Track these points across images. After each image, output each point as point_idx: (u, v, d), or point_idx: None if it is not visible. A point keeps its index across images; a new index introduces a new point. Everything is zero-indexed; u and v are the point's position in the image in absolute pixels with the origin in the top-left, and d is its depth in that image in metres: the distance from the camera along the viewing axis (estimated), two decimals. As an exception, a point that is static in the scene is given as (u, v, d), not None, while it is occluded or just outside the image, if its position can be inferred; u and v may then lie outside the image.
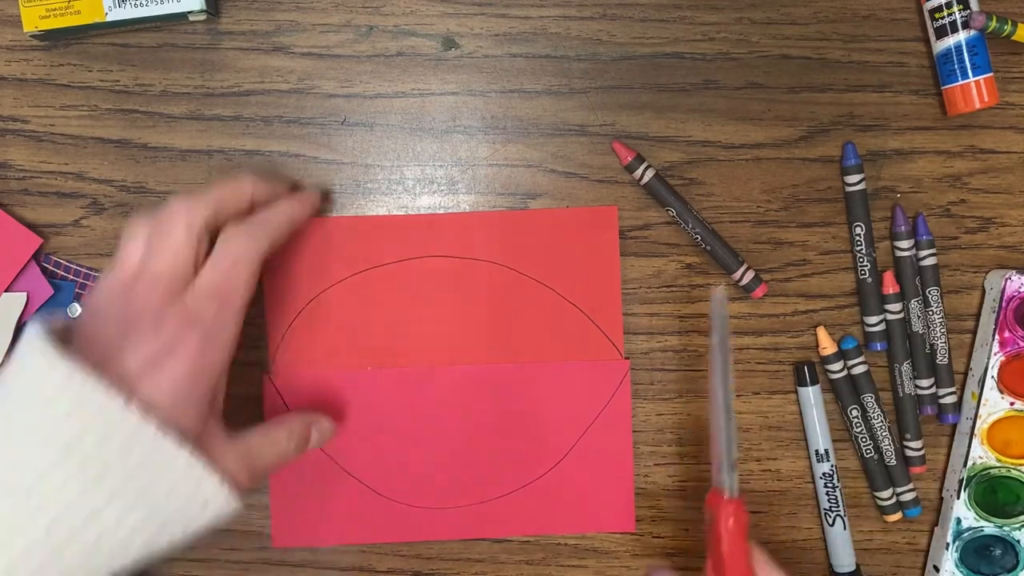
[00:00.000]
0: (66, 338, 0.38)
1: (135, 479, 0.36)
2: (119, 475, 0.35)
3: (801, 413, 0.51)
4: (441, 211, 0.50)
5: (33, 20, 0.47)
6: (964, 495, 0.50)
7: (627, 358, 0.50)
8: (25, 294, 0.49)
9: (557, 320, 0.50)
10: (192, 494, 0.37)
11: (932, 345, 0.50)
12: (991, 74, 0.48)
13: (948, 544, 0.51)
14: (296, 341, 0.49)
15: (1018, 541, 0.50)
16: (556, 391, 0.50)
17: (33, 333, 0.37)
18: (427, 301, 0.49)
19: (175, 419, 0.37)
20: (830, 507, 0.51)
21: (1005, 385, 0.49)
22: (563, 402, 0.50)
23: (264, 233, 0.42)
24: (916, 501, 0.51)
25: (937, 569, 0.51)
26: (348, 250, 0.49)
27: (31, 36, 0.48)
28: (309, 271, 0.49)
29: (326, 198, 0.49)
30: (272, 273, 0.49)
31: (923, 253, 0.50)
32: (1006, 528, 0.50)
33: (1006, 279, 0.49)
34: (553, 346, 0.50)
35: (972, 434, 0.50)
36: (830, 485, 0.51)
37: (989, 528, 0.50)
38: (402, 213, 0.50)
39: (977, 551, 0.51)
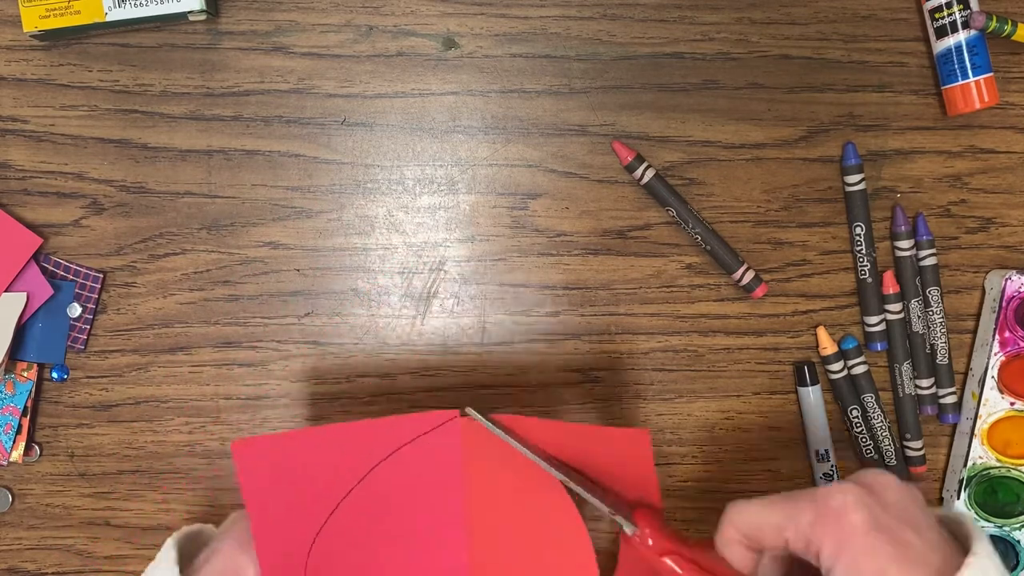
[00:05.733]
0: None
1: None
2: None
3: (801, 413, 0.51)
4: (441, 211, 0.50)
5: (33, 20, 0.47)
6: (964, 495, 0.50)
7: None
8: (25, 294, 0.49)
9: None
10: None
11: (932, 345, 0.50)
12: (991, 74, 0.48)
13: (948, 544, 0.51)
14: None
15: (1018, 541, 0.50)
16: None
17: (168, 547, 0.41)
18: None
19: None
20: (830, 507, 0.51)
21: (1005, 385, 0.49)
22: None
23: None
24: (916, 501, 0.51)
25: (937, 569, 0.51)
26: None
27: (31, 36, 0.48)
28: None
29: None
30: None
31: (923, 253, 0.50)
32: (1006, 528, 0.50)
33: (1006, 279, 0.49)
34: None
35: (972, 434, 0.50)
36: (830, 485, 0.51)
37: (989, 528, 0.50)
38: (402, 212, 0.50)
39: (977, 551, 0.51)
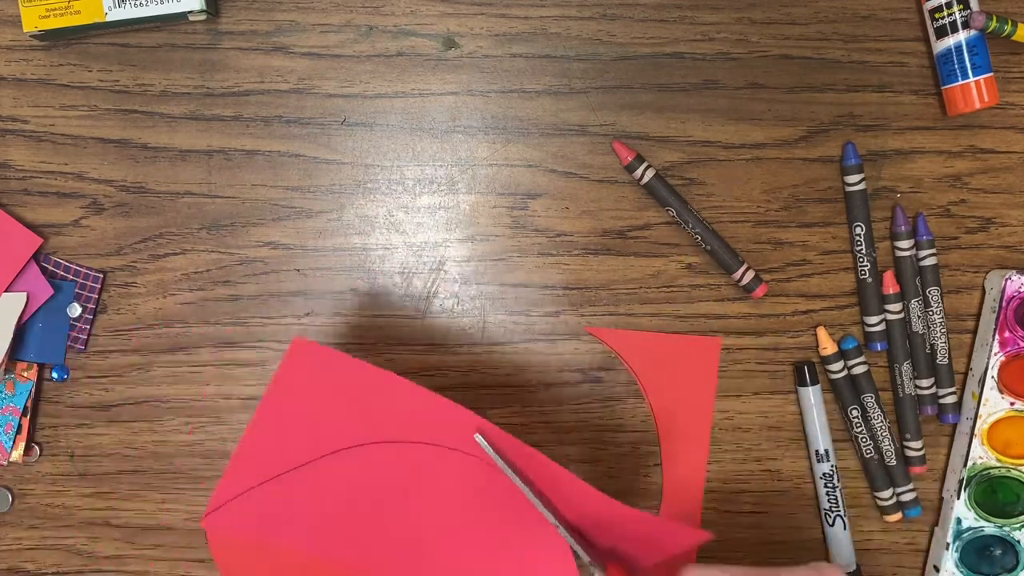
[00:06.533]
0: None
1: None
2: None
3: (801, 413, 0.51)
4: (441, 211, 0.50)
5: (33, 20, 0.47)
6: (964, 495, 0.50)
7: None
8: (25, 294, 0.49)
9: None
10: None
11: (932, 345, 0.50)
12: (991, 74, 0.48)
13: (948, 544, 0.51)
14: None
15: (1018, 541, 0.50)
16: None
17: None
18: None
19: None
20: (830, 507, 0.51)
21: (1005, 385, 0.49)
22: None
23: None
24: (916, 501, 0.51)
25: (937, 569, 0.51)
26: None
27: (31, 36, 0.48)
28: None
29: None
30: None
31: (923, 253, 0.50)
32: (1006, 528, 0.50)
33: (1006, 279, 0.49)
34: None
35: (972, 434, 0.50)
36: (830, 485, 0.51)
37: (989, 528, 0.50)
38: (402, 212, 0.50)
39: (977, 551, 0.51)
